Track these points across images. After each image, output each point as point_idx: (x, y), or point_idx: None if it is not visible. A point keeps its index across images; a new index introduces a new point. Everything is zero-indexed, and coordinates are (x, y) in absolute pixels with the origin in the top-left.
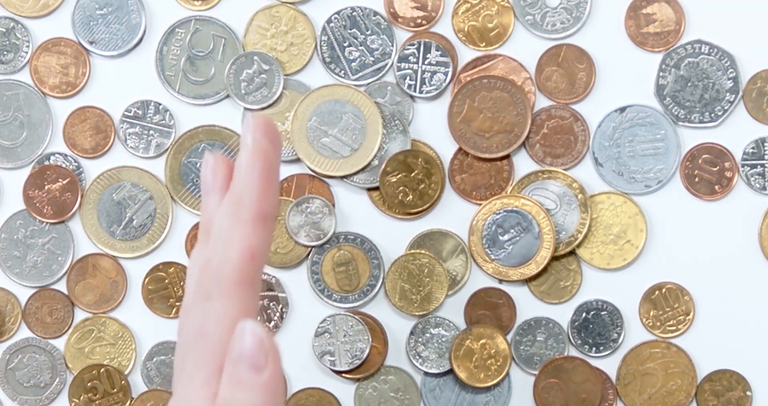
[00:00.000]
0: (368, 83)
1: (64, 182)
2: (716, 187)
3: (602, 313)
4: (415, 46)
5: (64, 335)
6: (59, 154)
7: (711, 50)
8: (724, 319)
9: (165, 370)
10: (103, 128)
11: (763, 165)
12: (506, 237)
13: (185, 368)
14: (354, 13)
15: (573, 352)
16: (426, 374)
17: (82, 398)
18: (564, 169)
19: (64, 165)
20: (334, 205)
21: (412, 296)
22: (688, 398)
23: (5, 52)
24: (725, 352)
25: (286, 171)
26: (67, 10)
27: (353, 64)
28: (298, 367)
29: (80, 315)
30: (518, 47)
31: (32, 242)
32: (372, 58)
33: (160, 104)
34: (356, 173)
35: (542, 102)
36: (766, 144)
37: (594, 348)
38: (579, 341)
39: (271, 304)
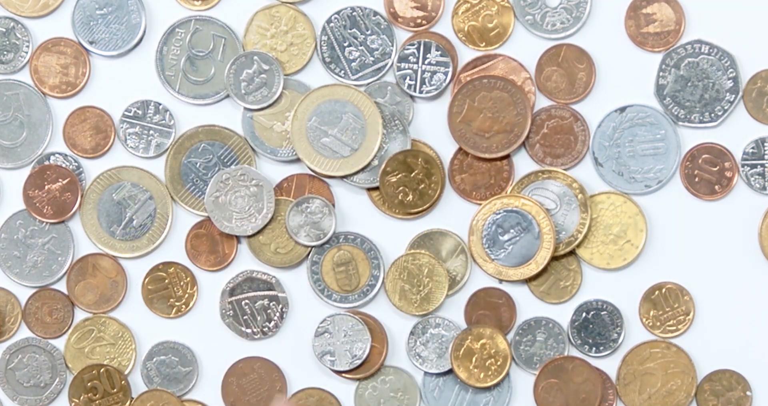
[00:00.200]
0: (368, 83)
1: (64, 182)
2: (716, 187)
3: (602, 313)
4: (415, 46)
5: (64, 335)
6: (59, 154)
7: (711, 50)
8: (724, 319)
9: (165, 370)
10: (103, 128)
11: (763, 165)
12: (506, 237)
13: None
14: (354, 13)
15: (573, 352)
16: (426, 374)
17: (82, 398)
18: (564, 169)
19: (64, 165)
20: (334, 205)
21: (412, 296)
22: (688, 398)
23: (5, 52)
24: (725, 352)
25: (286, 171)
26: (67, 10)
27: (353, 64)
28: (298, 367)
29: (80, 315)
30: (518, 47)
31: (32, 242)
32: (372, 58)
33: (160, 104)
34: (356, 173)
35: (542, 102)
36: (766, 144)
37: (594, 348)
38: (579, 341)
39: (271, 304)
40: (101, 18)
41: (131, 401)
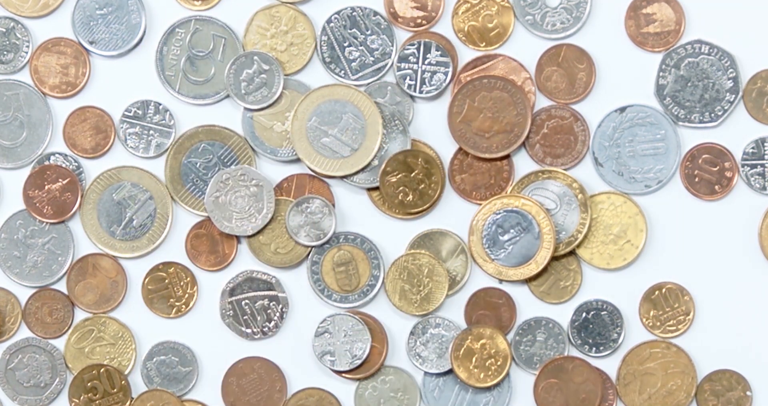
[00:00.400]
0: (368, 83)
1: (64, 182)
2: (716, 187)
3: (602, 313)
4: (415, 46)
5: (64, 335)
6: (59, 154)
7: (711, 50)
8: (724, 319)
9: (165, 370)
10: (103, 128)
11: (763, 165)
12: (506, 237)
13: None
14: (354, 13)
15: (573, 352)
16: (426, 374)
17: (82, 398)
18: (564, 169)
19: (64, 165)
20: (334, 205)
21: (412, 296)
22: (688, 398)
23: (5, 52)
24: (725, 352)
25: (286, 171)
26: (67, 10)
27: (353, 64)
28: (298, 367)
29: (80, 315)
30: (518, 47)
31: (32, 242)
32: (372, 58)
33: (160, 104)
34: (356, 173)
35: (542, 102)
36: (766, 144)
37: (594, 348)
38: (579, 341)
39: (271, 304)
40: (101, 18)
41: (131, 401)
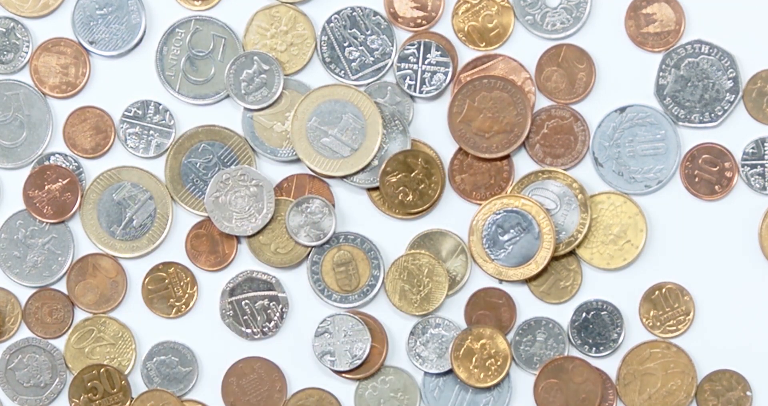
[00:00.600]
0: (368, 83)
1: (64, 182)
2: (716, 187)
3: (602, 313)
4: (415, 46)
5: (64, 335)
6: (59, 154)
7: (711, 50)
8: (724, 319)
9: (165, 370)
10: (103, 128)
11: (763, 165)
12: (506, 237)
13: None
14: (354, 13)
15: (573, 352)
16: (426, 374)
17: (82, 398)
18: (564, 169)
19: (64, 165)
20: (334, 205)
21: (412, 296)
22: (688, 398)
23: (5, 52)
24: (725, 352)
25: (286, 171)
26: (67, 10)
27: (353, 64)
28: (298, 367)
29: (80, 315)
30: (518, 47)
31: (32, 242)
32: (372, 58)
33: (160, 104)
34: (356, 173)
35: (542, 102)
36: (766, 144)
37: (594, 348)
38: (579, 341)
39: (271, 304)
40: (101, 18)
41: (131, 401)
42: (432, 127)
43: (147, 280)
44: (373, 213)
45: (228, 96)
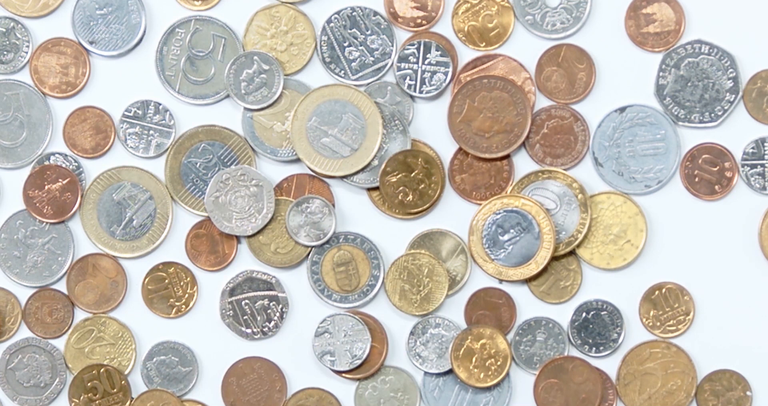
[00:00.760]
0: (368, 83)
1: (64, 182)
2: (716, 187)
3: (602, 313)
4: (415, 46)
5: (64, 335)
6: (59, 154)
7: (711, 50)
8: (724, 319)
9: (165, 370)
10: (103, 128)
11: (763, 165)
12: (506, 237)
13: None
14: (354, 13)
15: (573, 352)
16: (426, 374)
17: (82, 398)
18: (564, 169)
19: (64, 165)
20: (334, 205)
21: (412, 296)
22: (688, 398)
23: (5, 52)
24: (725, 352)
25: (286, 171)
26: (67, 10)
27: (353, 64)
28: (298, 367)
29: (80, 315)
30: (518, 47)
31: (32, 242)
32: (372, 58)
33: (160, 104)
34: (356, 173)
35: (542, 102)
36: (766, 144)
37: (594, 348)
38: (579, 341)
39: (271, 304)
40: (101, 18)
41: (131, 401)
42: (432, 127)
43: (147, 280)
44: (373, 213)
45: (228, 96)
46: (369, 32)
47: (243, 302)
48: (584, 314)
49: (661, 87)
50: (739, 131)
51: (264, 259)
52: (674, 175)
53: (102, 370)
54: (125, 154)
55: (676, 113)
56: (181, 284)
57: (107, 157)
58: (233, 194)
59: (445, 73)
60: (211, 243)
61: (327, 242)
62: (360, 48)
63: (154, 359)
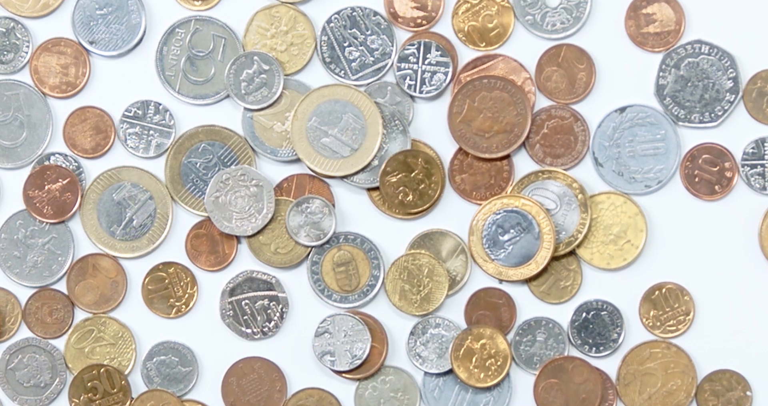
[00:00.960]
0: (368, 83)
1: (64, 182)
2: (716, 187)
3: (602, 313)
4: (415, 46)
5: (64, 335)
6: (59, 154)
7: (711, 50)
8: (724, 319)
9: (165, 370)
10: (103, 128)
11: (763, 165)
12: (506, 237)
13: None
14: (354, 13)
15: (573, 352)
16: (426, 374)
17: (82, 398)
18: (564, 169)
19: (64, 165)
20: (334, 205)
21: (412, 296)
22: (688, 398)
23: (5, 52)
24: (725, 352)
25: (286, 171)
26: (67, 10)
27: (353, 64)
28: (298, 367)
29: (80, 315)
30: (518, 47)
31: (32, 242)
32: (372, 58)
33: (160, 104)
34: (356, 173)
35: (542, 102)
36: (766, 144)
37: (594, 348)
38: (579, 341)
39: (271, 304)
40: (101, 18)
41: (131, 401)
42: (432, 127)
43: (147, 280)
44: (373, 213)
45: (228, 96)
46: (369, 32)
47: (243, 302)
48: (584, 314)
49: (661, 87)
50: (739, 131)
51: (264, 259)
52: (674, 175)
53: (102, 370)
54: (125, 154)
55: (676, 113)
56: (181, 284)
57: (107, 157)
58: (233, 194)
59: (445, 73)
60: (211, 243)
61: (327, 242)
62: (360, 48)
63: (154, 359)
